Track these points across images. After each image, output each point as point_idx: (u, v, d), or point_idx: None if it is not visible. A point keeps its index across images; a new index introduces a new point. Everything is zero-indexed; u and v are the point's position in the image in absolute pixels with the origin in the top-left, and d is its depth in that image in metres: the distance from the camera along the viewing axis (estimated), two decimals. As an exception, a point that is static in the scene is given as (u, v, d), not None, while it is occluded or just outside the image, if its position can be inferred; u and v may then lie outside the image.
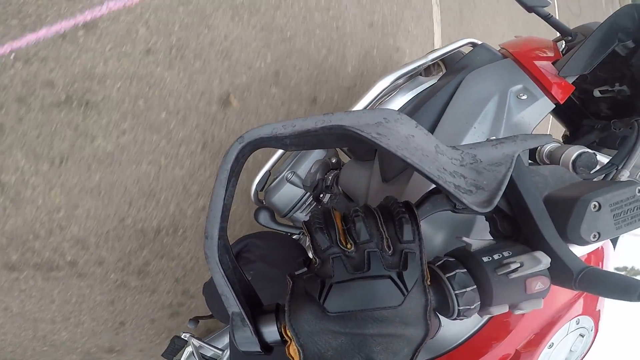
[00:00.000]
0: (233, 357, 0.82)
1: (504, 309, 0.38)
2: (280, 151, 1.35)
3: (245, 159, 0.41)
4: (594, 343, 0.70)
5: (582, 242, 0.43)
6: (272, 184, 1.29)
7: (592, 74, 0.91)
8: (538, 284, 0.38)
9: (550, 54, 0.88)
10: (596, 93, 0.94)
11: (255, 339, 0.39)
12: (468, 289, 0.38)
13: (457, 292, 0.38)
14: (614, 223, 0.43)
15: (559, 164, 0.69)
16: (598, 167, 0.68)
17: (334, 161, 1.24)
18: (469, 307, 0.38)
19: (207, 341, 1.25)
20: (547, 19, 0.97)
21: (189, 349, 1.23)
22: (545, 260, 0.38)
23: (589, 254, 0.69)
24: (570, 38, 0.96)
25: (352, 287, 0.35)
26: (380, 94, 0.99)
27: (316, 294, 0.35)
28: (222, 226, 0.38)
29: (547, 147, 0.74)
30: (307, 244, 0.40)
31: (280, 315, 0.40)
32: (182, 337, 1.27)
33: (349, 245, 0.37)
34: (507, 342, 0.62)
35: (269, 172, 1.30)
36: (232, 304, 0.38)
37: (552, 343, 0.63)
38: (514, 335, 0.62)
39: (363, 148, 1.01)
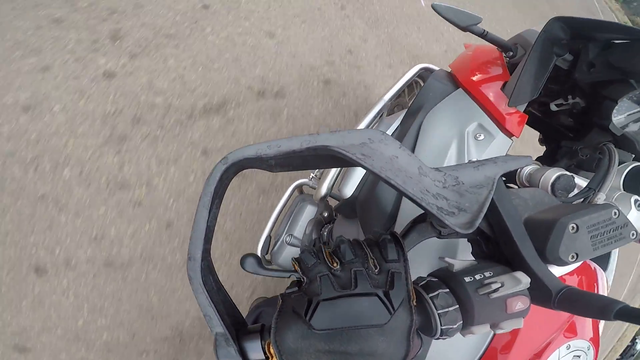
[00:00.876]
0: None
1: (485, 328, 0.39)
2: (274, 215, 1.41)
3: (229, 181, 0.41)
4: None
5: (561, 263, 0.44)
6: (275, 248, 1.33)
7: (544, 89, 0.92)
8: (518, 304, 0.39)
9: (498, 71, 0.88)
10: (553, 107, 0.95)
11: (239, 357, 0.38)
12: (450, 309, 0.39)
13: (439, 311, 0.38)
14: (591, 244, 0.45)
15: (538, 187, 0.71)
16: (576, 191, 0.70)
17: (326, 215, 1.25)
18: (451, 326, 0.38)
19: None
20: (484, 36, 0.97)
21: None
22: (525, 280, 0.38)
23: (580, 276, 0.70)
24: (511, 53, 0.97)
25: (338, 305, 0.35)
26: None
27: (303, 311, 0.35)
28: (205, 248, 0.38)
29: (527, 170, 0.76)
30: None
31: (265, 334, 0.40)
32: None
33: (334, 264, 0.38)
34: None
35: (269, 237, 1.35)
36: (216, 324, 0.38)
37: None
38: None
39: (348, 207, 1.04)
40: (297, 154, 0.38)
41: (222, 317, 0.38)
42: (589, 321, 0.70)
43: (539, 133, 1.11)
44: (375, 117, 1.13)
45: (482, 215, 0.38)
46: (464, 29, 0.96)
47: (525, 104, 0.85)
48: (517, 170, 0.78)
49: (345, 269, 0.37)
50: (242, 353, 0.39)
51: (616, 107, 0.81)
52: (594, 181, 0.69)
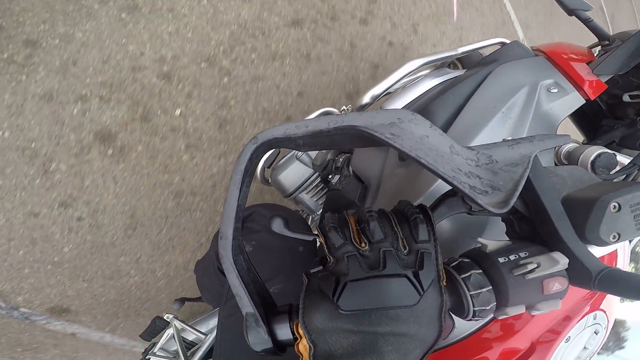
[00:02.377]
0: (223, 344, 0.80)
1: (521, 309, 0.38)
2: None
3: (259, 160, 0.41)
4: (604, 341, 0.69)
5: (602, 243, 0.42)
6: (281, 161, 1.26)
7: (623, 79, 0.90)
8: (555, 285, 0.37)
9: (585, 58, 0.87)
10: (626, 98, 0.92)
11: (269, 339, 0.39)
12: (483, 290, 0.38)
13: (472, 293, 0.38)
14: (634, 224, 0.42)
15: (577, 165, 0.68)
16: (618, 168, 0.67)
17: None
18: (484, 307, 0.38)
19: (191, 324, 1.19)
20: (587, 22, 0.95)
21: (169, 331, 1.16)
22: (563, 261, 0.37)
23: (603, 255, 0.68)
24: (607, 42, 0.94)
25: (367, 286, 0.35)
26: (407, 76, 1.00)
27: (330, 292, 0.35)
28: (236, 227, 0.39)
29: (565, 148, 0.73)
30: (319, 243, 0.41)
31: (293, 314, 0.40)
32: (164, 318, 1.19)
33: (363, 244, 0.37)
34: (522, 334, 0.61)
35: (278, 150, 1.25)
36: (246, 305, 0.38)
37: (569, 337, 0.63)
38: (529, 327, 0.61)
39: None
40: (324, 134, 0.38)
41: (252, 297, 0.39)
42: (612, 299, 0.68)
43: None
44: (444, 57, 1.08)
45: (517, 194, 0.36)
46: (571, 11, 0.93)
47: (608, 77, 0.83)
48: (555, 148, 0.75)
49: (373, 249, 0.37)
50: (271, 334, 0.39)
51: None
52: (639, 157, 0.66)
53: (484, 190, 0.37)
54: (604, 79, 0.81)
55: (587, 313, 0.64)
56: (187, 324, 1.17)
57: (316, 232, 0.41)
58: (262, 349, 0.39)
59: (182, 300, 1.36)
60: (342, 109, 1.38)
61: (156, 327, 1.20)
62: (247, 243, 0.79)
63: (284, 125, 0.38)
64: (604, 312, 0.66)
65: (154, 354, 1.15)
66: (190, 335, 1.18)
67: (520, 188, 0.37)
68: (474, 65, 0.97)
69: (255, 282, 0.42)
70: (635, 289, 0.34)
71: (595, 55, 0.93)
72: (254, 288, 0.41)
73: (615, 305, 0.69)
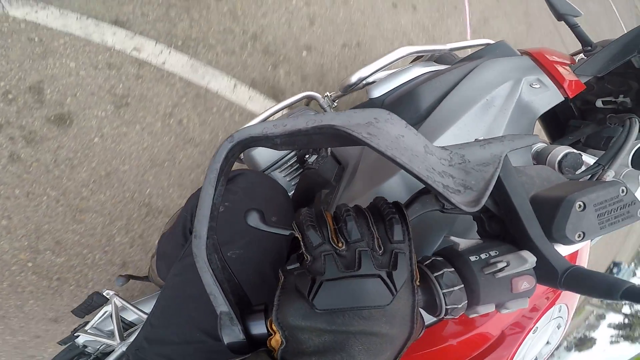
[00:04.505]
0: (161, 302, 0.71)
1: (491, 308, 0.39)
2: (270, 111, 1.29)
3: (234, 159, 0.40)
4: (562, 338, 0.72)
5: (567, 242, 0.43)
6: None
7: (599, 85, 0.94)
8: (524, 284, 0.38)
9: (567, 61, 0.91)
10: (599, 103, 0.96)
11: (244, 337, 0.38)
12: (455, 288, 0.38)
13: (444, 291, 0.38)
14: (598, 223, 0.44)
15: (545, 164, 0.70)
16: (584, 168, 0.69)
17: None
18: (456, 306, 0.38)
19: (132, 303, 1.09)
20: (574, 28, 0.97)
21: (107, 308, 1.07)
22: (531, 260, 0.38)
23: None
24: (589, 48, 0.97)
25: (342, 285, 0.35)
26: (396, 61, 1.04)
27: (306, 291, 0.35)
28: (210, 225, 0.38)
29: (534, 147, 0.75)
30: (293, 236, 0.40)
31: (268, 313, 0.40)
32: (104, 294, 1.10)
33: (340, 244, 0.37)
34: (492, 323, 0.63)
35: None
36: (221, 303, 0.38)
37: (537, 327, 0.65)
38: (499, 317, 0.63)
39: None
40: (302, 133, 0.37)
41: (226, 296, 0.38)
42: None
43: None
44: (434, 50, 1.13)
45: (488, 193, 0.37)
46: (560, 16, 0.95)
47: (588, 78, 0.86)
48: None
49: (350, 249, 0.37)
50: (247, 332, 0.39)
51: None
52: (604, 158, 0.68)
53: (456, 190, 0.38)
54: (583, 80, 0.84)
55: (552, 304, 0.66)
56: (128, 302, 1.08)
57: (292, 228, 0.40)
58: (236, 347, 0.39)
59: (127, 277, 1.24)
60: (325, 94, 1.38)
61: (93, 303, 1.11)
62: (222, 204, 0.75)
63: (262, 123, 0.38)
64: (567, 305, 0.69)
65: (85, 332, 1.07)
66: (131, 316, 1.10)
67: (491, 187, 0.38)
68: (460, 60, 1.00)
69: (229, 280, 0.41)
70: (598, 287, 0.36)
71: (577, 60, 0.96)
72: (228, 287, 0.40)
73: (575, 300, 0.72)
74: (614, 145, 0.70)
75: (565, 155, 0.68)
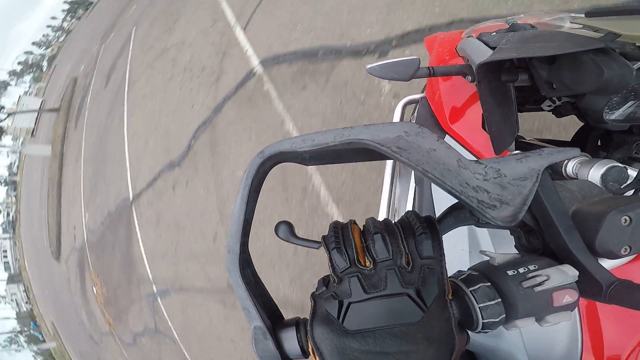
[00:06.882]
0: None
1: (531, 321, 0.38)
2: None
3: (265, 174, 0.42)
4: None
5: (613, 256, 0.42)
6: None
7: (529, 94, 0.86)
8: (566, 297, 0.37)
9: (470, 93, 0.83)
10: (545, 108, 0.91)
11: (277, 352, 0.39)
12: (492, 302, 0.38)
13: (481, 305, 0.38)
14: None
15: (587, 179, 0.67)
16: (629, 182, 0.66)
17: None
18: (493, 320, 0.38)
19: None
20: (432, 75, 0.88)
21: None
22: (572, 273, 0.37)
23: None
24: (470, 78, 0.88)
25: (369, 306, 0.36)
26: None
27: (335, 313, 0.36)
28: (243, 240, 0.39)
29: (575, 161, 0.73)
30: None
31: (300, 328, 0.41)
32: None
33: (367, 264, 0.38)
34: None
35: None
36: (254, 317, 0.39)
37: None
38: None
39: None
40: (330, 147, 0.38)
41: (259, 310, 0.39)
42: None
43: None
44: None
45: (526, 208, 0.37)
46: (409, 79, 0.86)
47: (513, 140, 0.79)
48: (562, 162, 0.75)
49: (377, 268, 0.37)
50: (279, 347, 0.40)
51: (604, 112, 0.75)
52: (650, 172, 0.65)
53: (492, 205, 0.37)
54: (512, 147, 0.79)
55: None
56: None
57: (320, 241, 0.41)
58: None
59: None
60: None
61: None
62: None
63: (291, 139, 0.39)
64: None
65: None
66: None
67: (529, 202, 0.37)
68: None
69: (263, 295, 0.43)
70: None
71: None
72: (261, 301, 0.41)
73: None
74: None
75: (609, 168, 0.66)
